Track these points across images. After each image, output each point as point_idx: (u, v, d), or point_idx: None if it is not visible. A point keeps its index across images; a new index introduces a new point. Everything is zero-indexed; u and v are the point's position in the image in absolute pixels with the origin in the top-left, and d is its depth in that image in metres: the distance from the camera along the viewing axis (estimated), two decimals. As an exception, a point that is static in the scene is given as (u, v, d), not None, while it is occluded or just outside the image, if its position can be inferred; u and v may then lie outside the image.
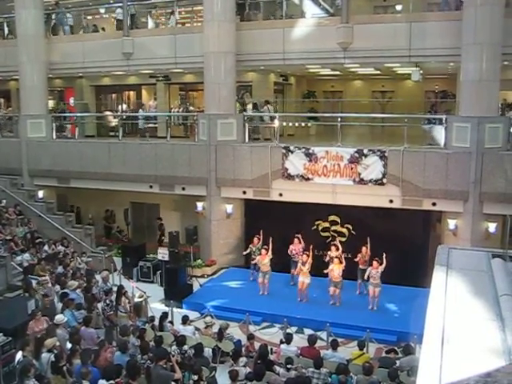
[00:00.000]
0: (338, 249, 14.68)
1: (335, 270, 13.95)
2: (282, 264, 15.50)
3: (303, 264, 14.20)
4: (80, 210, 22.36)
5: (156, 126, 22.31)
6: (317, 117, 22.21)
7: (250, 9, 18.79)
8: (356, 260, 14.69)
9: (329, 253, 14.74)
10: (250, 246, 15.88)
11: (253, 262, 15.71)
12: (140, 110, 22.14)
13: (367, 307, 13.94)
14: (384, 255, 13.64)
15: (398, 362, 10.14)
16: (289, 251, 15.36)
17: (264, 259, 14.73)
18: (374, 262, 13.69)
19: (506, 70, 16.03)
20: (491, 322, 4.19)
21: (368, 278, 14.02)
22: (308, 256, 14.23)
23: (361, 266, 14.67)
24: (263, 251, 14.79)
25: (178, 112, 22.25)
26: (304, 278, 14.29)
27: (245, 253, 16.35)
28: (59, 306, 11.66)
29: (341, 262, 13.99)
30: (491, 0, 14.08)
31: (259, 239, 15.63)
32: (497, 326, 4.07)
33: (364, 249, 14.61)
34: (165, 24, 20.92)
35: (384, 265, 13.54)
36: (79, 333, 9.93)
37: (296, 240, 15.38)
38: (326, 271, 14.21)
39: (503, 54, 14.38)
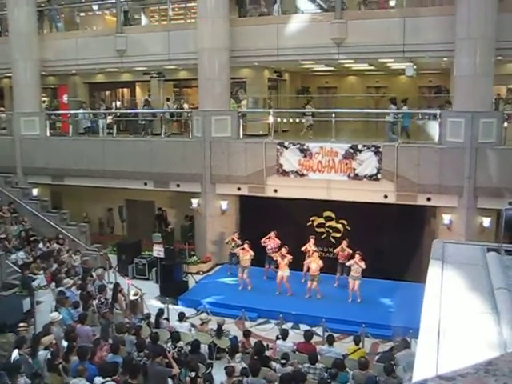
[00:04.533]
0: (315, 243, 14.84)
1: (313, 264, 14.07)
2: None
3: (282, 258, 14.33)
4: (166, 213, 20.87)
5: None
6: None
7: (251, 3, 18.75)
8: (335, 253, 15.01)
9: (306, 245, 14.83)
10: (230, 239, 16.02)
11: (230, 252, 15.95)
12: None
13: (362, 302, 14.00)
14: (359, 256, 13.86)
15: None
16: (263, 243, 15.45)
17: (246, 255, 14.85)
18: (357, 256, 13.83)
19: (499, 64, 16.07)
20: (487, 315, 4.20)
21: (349, 270, 14.17)
22: (287, 250, 14.40)
23: (340, 260, 14.86)
24: (245, 245, 14.93)
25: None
26: (283, 272, 14.41)
27: (226, 241, 16.38)
28: (53, 304, 11.60)
29: (320, 257, 14.15)
30: (484, -5, 14.12)
31: (239, 236, 15.87)
32: (492, 319, 4.08)
33: (344, 242, 14.81)
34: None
35: (363, 263, 13.71)
36: (75, 330, 9.92)
37: (272, 234, 15.44)
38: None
39: (497, 49, 14.41)
